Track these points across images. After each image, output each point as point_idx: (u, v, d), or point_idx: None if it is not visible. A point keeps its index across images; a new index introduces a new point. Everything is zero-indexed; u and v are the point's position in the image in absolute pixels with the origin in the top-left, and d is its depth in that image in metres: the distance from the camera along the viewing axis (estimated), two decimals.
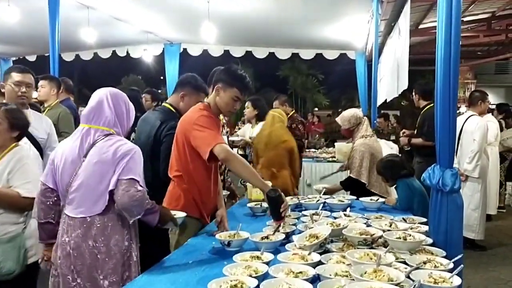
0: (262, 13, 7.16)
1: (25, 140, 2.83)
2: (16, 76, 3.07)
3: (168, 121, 2.91)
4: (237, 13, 7.21)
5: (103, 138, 2.14)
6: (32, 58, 11.47)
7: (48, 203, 2.21)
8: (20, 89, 3.05)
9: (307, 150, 8.94)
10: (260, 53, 10.50)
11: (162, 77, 21.01)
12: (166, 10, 7.37)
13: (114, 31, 8.77)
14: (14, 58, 11.74)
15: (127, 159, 2.09)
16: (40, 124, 3.22)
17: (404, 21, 5.45)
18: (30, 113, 3.07)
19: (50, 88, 4.55)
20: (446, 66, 2.09)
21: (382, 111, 9.82)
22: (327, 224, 2.25)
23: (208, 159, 2.39)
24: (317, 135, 12.88)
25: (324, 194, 3.36)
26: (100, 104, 2.20)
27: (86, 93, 29.61)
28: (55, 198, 2.21)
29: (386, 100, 7.70)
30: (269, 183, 2.54)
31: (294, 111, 5.73)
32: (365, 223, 2.43)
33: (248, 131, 5.17)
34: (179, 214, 2.38)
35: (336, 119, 4.00)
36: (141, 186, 2.07)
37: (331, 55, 10.39)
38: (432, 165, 2.15)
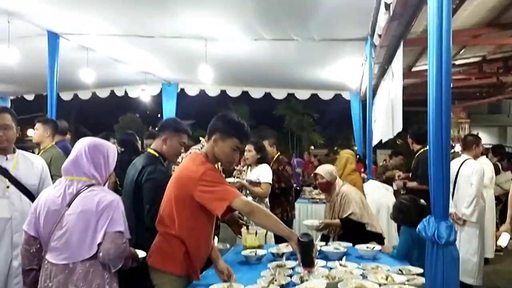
0: (258, 56, 7.30)
1: (12, 189, 2.77)
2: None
3: (148, 166, 2.91)
4: (233, 55, 7.35)
5: (86, 189, 2.22)
6: (30, 97, 11.57)
7: (32, 250, 2.27)
8: None
9: (304, 188, 8.96)
10: (256, 93, 10.65)
11: (159, 115, 21.31)
12: (164, 52, 7.51)
13: (112, 72, 8.90)
14: (12, 97, 11.83)
15: (112, 211, 2.17)
16: (30, 169, 2.94)
17: (397, 64, 5.56)
18: (17, 157, 2.87)
19: (44, 130, 4.58)
20: (438, 110, 2.11)
21: (392, 151, 9.90)
22: (322, 277, 2.21)
23: (222, 214, 2.31)
24: (312, 174, 12.89)
25: (321, 229, 3.46)
26: (78, 157, 2.28)
27: (84, 132, 29.84)
28: (38, 245, 2.27)
29: (381, 140, 7.75)
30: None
31: (279, 153, 5.75)
32: (361, 274, 2.39)
33: (247, 173, 5.16)
34: (141, 253, 2.42)
35: (319, 171, 4.01)
36: (125, 237, 2.19)
37: (326, 95, 10.55)
38: (427, 217, 2.14)
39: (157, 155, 3.05)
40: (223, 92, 10.70)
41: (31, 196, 2.81)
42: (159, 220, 2.51)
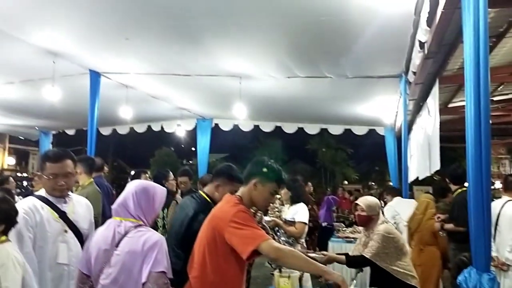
0: (291, 92, 7.38)
1: (70, 234, 2.67)
2: (50, 168, 2.61)
3: (202, 213, 2.85)
4: (267, 91, 7.45)
5: (133, 229, 2.31)
6: (71, 131, 12.05)
7: None
8: (57, 181, 2.61)
9: (337, 226, 8.78)
10: (289, 128, 10.70)
11: (193, 149, 21.68)
12: (199, 89, 7.71)
13: (150, 108, 9.19)
14: (54, 132, 12.34)
15: (156, 251, 2.22)
16: (84, 212, 2.88)
17: (433, 101, 5.50)
18: (73, 201, 2.79)
19: (81, 169, 4.71)
20: (477, 147, 2.06)
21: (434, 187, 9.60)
22: None
23: (247, 257, 2.27)
24: (346, 210, 12.62)
25: (326, 262, 3.29)
26: (126, 200, 2.40)
27: (121, 165, 30.63)
28: (91, 283, 2.35)
29: (418, 177, 7.57)
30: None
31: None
32: None
33: (283, 212, 5.11)
34: None
35: (360, 203, 3.70)
36: (167, 277, 2.23)
37: (360, 130, 10.47)
38: (468, 268, 2.05)
39: (209, 200, 3.03)
40: (256, 127, 10.82)
41: (82, 241, 2.74)
42: (190, 265, 2.48)
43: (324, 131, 11.03)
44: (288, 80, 6.69)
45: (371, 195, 7.33)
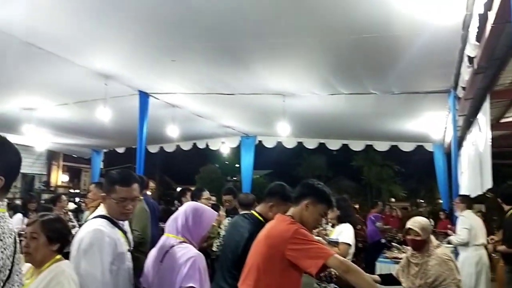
0: (335, 109, 7.34)
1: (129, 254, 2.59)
2: (120, 191, 2.50)
3: (257, 234, 2.82)
4: (310, 109, 7.45)
5: (176, 246, 2.45)
6: (121, 150, 12.50)
7: None
8: (125, 206, 2.50)
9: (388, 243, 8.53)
10: (333, 145, 10.60)
11: (237, 165, 21.89)
12: (243, 108, 7.82)
13: (195, 126, 9.40)
14: (105, 150, 12.83)
15: (188, 266, 2.32)
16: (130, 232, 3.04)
17: (484, 117, 5.29)
18: (125, 224, 2.78)
19: None
20: None
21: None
22: None
23: (317, 272, 2.34)
24: (394, 229, 12.24)
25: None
26: (177, 218, 2.58)
27: (167, 181, 31.32)
28: None
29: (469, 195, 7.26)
30: None
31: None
32: None
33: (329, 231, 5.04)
34: None
35: (413, 227, 3.46)
36: None
37: (407, 147, 10.22)
38: None
39: (263, 220, 3.04)
40: (300, 144, 10.80)
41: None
42: (243, 281, 2.54)
43: (369, 147, 10.84)
44: (331, 97, 6.66)
45: (420, 213, 7.08)
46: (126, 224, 2.70)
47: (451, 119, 6.21)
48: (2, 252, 1.55)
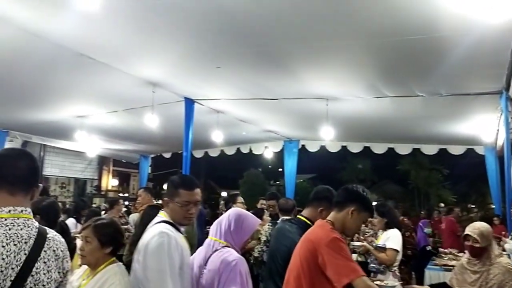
0: (380, 112, 7.21)
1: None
2: (184, 195, 2.47)
3: None
4: (354, 112, 7.36)
5: (218, 249, 2.52)
6: (167, 155, 12.84)
7: None
8: (188, 210, 2.48)
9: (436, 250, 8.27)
10: (378, 148, 10.39)
11: (280, 169, 21.85)
12: (286, 112, 7.83)
13: (239, 131, 9.51)
14: (152, 155, 13.21)
15: (229, 270, 2.38)
16: None
17: None
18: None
19: None
20: None
21: None
22: None
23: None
24: (463, 235, 11.78)
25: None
26: (221, 222, 2.65)
27: (212, 185, 31.75)
28: None
29: None
30: None
31: (403, 218, 5.37)
32: None
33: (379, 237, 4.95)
34: None
35: (471, 233, 3.29)
36: None
37: (456, 150, 9.86)
38: None
39: (311, 224, 3.02)
40: (344, 148, 10.66)
41: None
42: (286, 286, 2.56)
43: (416, 151, 10.55)
44: (376, 100, 6.55)
45: (471, 218, 6.79)
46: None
47: (504, 121, 5.95)
48: (3, 259, 1.50)
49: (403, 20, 4.03)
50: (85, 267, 2.57)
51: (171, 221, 2.45)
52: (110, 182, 15.89)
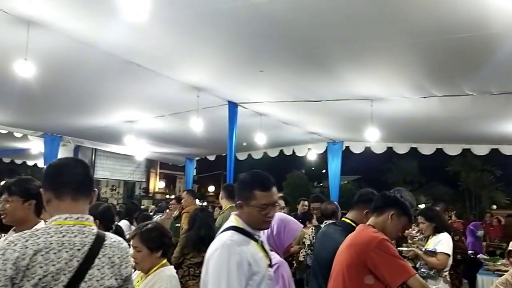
0: (428, 112, 7.00)
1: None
2: (261, 197, 2.17)
3: None
4: (400, 113, 7.20)
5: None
6: (212, 157, 13.03)
7: None
8: (267, 213, 2.19)
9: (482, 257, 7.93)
10: (426, 149, 10.07)
11: (323, 171, 21.63)
12: (330, 114, 7.78)
13: (281, 133, 9.53)
14: (197, 158, 13.47)
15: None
16: None
17: None
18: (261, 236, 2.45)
19: (223, 194, 5.11)
20: None
21: None
22: None
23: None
24: (496, 239, 11.29)
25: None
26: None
27: None
28: None
29: None
30: None
31: (453, 221, 5.19)
32: None
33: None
34: None
35: None
36: None
37: (509, 150, 9.39)
38: None
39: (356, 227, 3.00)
40: (389, 149, 10.43)
41: None
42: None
43: (466, 151, 10.16)
44: (423, 100, 6.38)
45: None
46: (262, 236, 2.35)
47: None
48: (40, 267, 1.54)
49: (450, 18, 3.92)
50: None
51: (242, 227, 2.19)
52: (157, 184, 16.36)
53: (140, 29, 4.39)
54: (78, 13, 4.25)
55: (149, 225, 2.76)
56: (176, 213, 6.77)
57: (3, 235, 2.71)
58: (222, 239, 2.13)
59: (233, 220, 2.24)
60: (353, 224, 3.02)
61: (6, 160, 14.28)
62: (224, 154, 8.17)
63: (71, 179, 1.74)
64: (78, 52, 5.08)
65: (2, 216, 2.47)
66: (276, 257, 2.49)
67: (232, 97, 7.16)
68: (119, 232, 3.70)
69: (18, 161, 14.85)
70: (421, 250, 4.49)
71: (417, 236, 5.39)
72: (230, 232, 2.16)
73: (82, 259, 1.63)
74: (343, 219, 3.20)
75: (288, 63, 5.46)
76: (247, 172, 2.32)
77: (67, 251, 1.61)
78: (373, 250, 2.37)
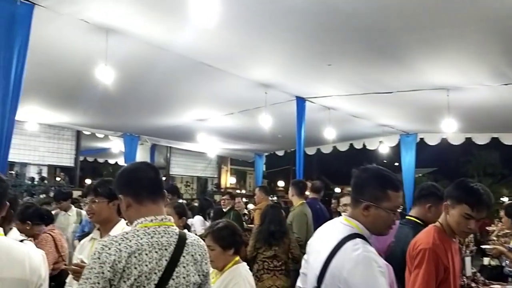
0: (509, 100, 6.54)
1: None
2: (394, 198, 1.92)
3: None
4: (479, 101, 6.78)
5: None
6: (280, 153, 13.11)
7: None
8: (394, 217, 1.95)
9: None
10: (509, 139, 9.39)
11: (396, 164, 20.88)
12: (402, 106, 7.51)
13: (351, 127, 9.36)
14: (266, 153, 13.61)
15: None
16: None
17: None
18: None
19: (290, 191, 5.15)
20: None
21: None
22: None
23: None
24: None
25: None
26: None
27: (325, 181, 31.58)
28: None
29: None
30: None
31: None
32: None
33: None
34: None
35: None
36: None
37: None
38: None
39: (421, 223, 2.87)
40: (468, 139, 9.86)
41: None
42: None
43: None
44: (504, 87, 5.97)
45: None
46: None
47: None
48: (135, 268, 1.63)
49: None
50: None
51: (363, 233, 1.93)
52: (228, 180, 16.72)
53: (210, 31, 4.51)
54: (152, 19, 4.48)
55: (220, 224, 2.83)
56: (228, 208, 6.80)
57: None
58: (357, 251, 1.81)
59: (351, 224, 1.95)
60: (418, 221, 2.90)
61: (90, 159, 15.37)
62: (292, 149, 8.16)
63: (149, 184, 1.82)
64: (152, 56, 5.34)
65: (89, 216, 2.65)
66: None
67: (299, 92, 7.15)
68: (188, 229, 3.85)
69: (101, 160, 15.94)
70: (506, 247, 4.23)
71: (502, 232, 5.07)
72: (358, 241, 1.86)
73: (170, 258, 1.72)
74: (407, 217, 3.06)
75: (357, 56, 5.35)
76: (367, 168, 2.02)
77: (156, 252, 1.69)
78: (412, 259, 2.27)
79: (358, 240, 1.85)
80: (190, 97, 7.44)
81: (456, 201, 2.27)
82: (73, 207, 6.75)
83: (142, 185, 1.81)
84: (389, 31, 4.60)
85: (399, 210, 1.95)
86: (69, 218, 6.52)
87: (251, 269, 4.64)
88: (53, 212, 6.62)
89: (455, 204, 2.27)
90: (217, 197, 13.01)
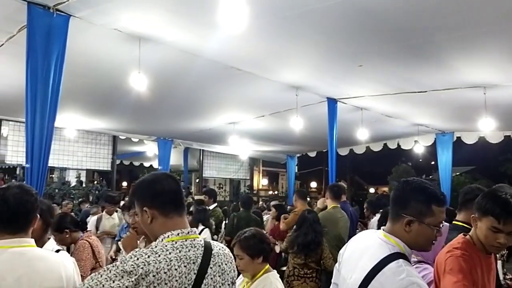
0: None
1: None
2: (439, 214, 1.83)
3: None
4: None
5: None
6: (312, 154, 13.06)
7: None
8: (436, 233, 1.83)
9: None
10: None
11: (432, 163, 20.34)
12: (437, 104, 7.34)
13: (385, 127, 9.22)
14: (298, 155, 13.58)
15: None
16: None
17: None
18: None
19: (328, 195, 5.13)
20: None
21: None
22: None
23: None
24: None
25: None
26: None
27: (358, 181, 31.23)
28: None
29: None
30: None
31: None
32: None
33: None
34: None
35: None
36: None
37: None
38: None
39: (471, 228, 2.79)
40: (507, 137, 9.53)
41: None
42: None
43: None
44: None
45: None
46: None
47: None
48: (166, 284, 1.58)
49: None
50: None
51: (404, 252, 1.82)
52: (260, 181, 16.78)
53: (239, 36, 4.55)
54: (182, 26, 4.55)
55: (248, 233, 2.79)
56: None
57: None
58: (401, 275, 1.70)
59: (390, 240, 1.84)
60: (467, 226, 2.80)
61: (126, 162, 15.77)
62: (324, 150, 8.10)
63: (174, 196, 1.79)
64: (184, 62, 5.43)
65: (134, 229, 2.67)
66: (431, 272, 2.21)
67: (330, 94, 7.09)
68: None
69: (136, 163, 16.34)
70: None
71: None
72: (402, 262, 1.75)
73: (197, 271, 1.70)
74: (454, 222, 2.95)
75: (389, 56, 5.26)
76: (410, 181, 1.92)
77: (185, 266, 1.67)
78: (443, 269, 2.07)
79: (401, 261, 1.74)
80: (221, 101, 7.51)
81: (482, 213, 2.12)
82: (117, 211, 6.93)
83: (168, 197, 1.77)
84: (422, 31, 4.51)
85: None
86: (113, 222, 6.72)
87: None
88: (96, 216, 6.87)
89: (481, 216, 2.13)
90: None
